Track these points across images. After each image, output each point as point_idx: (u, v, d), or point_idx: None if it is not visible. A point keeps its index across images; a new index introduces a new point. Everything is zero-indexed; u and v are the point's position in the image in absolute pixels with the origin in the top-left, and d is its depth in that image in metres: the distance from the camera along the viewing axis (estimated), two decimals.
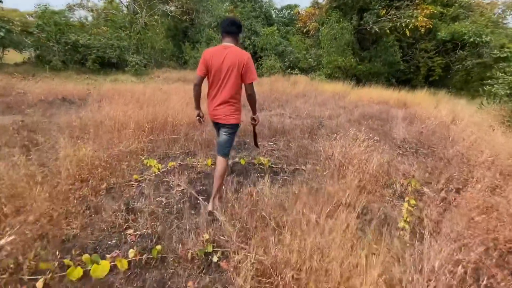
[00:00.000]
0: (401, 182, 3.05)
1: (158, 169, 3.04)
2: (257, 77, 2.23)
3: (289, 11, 24.86)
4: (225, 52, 2.14)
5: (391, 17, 11.51)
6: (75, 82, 9.43)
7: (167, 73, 13.66)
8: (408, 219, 2.34)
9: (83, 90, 7.15)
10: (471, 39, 12.62)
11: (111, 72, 12.71)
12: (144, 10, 16.73)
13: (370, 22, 12.09)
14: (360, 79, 14.27)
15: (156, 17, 15.05)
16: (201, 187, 2.64)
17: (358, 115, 6.15)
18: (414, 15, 10.55)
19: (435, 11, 11.40)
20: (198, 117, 2.47)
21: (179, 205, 2.30)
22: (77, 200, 2.19)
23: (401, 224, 2.27)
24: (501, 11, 19.87)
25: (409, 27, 10.64)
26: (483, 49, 13.21)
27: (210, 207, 2.23)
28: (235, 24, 2.27)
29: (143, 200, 2.28)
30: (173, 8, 18.49)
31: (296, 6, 24.41)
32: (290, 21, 22.64)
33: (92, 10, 16.21)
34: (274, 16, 21.05)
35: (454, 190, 2.80)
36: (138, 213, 2.11)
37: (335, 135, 4.59)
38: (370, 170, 2.73)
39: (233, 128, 2.31)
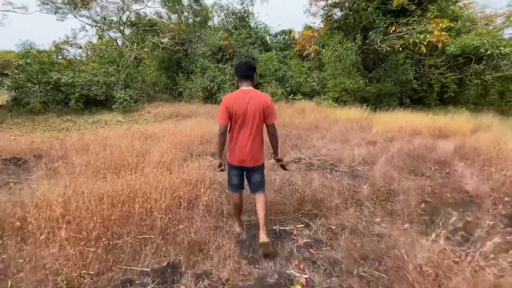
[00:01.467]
0: None
1: None
2: (277, 117, 2.29)
3: (283, 36, 24.54)
4: (248, 97, 2.17)
5: (401, 34, 10.53)
6: (48, 128, 8.11)
7: (159, 107, 12.47)
8: None
9: (48, 141, 5.75)
10: (488, 52, 11.59)
11: (96, 111, 11.51)
12: (135, 43, 16.05)
13: (378, 41, 11.12)
14: (370, 101, 13.08)
15: (146, 49, 14.19)
16: None
17: (399, 155, 4.68)
18: (429, 30, 9.58)
19: (452, 25, 10.46)
20: (220, 167, 2.43)
21: None
22: None
23: None
24: (501, 22, 19.37)
25: (425, 43, 9.59)
26: (500, 62, 12.16)
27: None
28: (252, 68, 2.29)
29: None
30: (165, 40, 17.94)
31: (290, 30, 24.13)
32: (285, 46, 22.11)
33: (81, 47, 15.47)
34: (269, 42, 20.46)
35: None
36: None
37: (392, 201, 3.11)
38: None
39: (263, 166, 2.42)
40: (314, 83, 14.53)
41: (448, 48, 13.64)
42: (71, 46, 15.61)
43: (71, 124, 8.72)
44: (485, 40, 11.88)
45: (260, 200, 2.34)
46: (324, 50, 13.92)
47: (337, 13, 13.84)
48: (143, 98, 13.85)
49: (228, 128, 2.26)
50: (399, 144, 5.36)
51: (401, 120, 7.77)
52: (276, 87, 13.36)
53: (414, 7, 11.34)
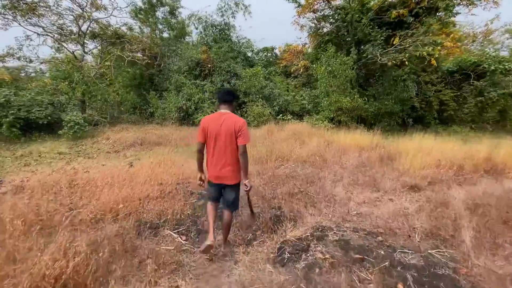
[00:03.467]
0: None
1: None
2: (249, 140, 2.37)
3: (266, 53, 23.41)
4: (222, 119, 2.33)
5: (402, 46, 9.35)
6: None
7: (123, 132, 10.21)
8: None
9: None
10: (492, 67, 10.74)
11: (38, 138, 9.03)
12: (99, 57, 13.89)
13: (378, 54, 9.89)
14: (368, 121, 11.71)
15: (107, 63, 12.07)
16: None
17: (481, 217, 2.90)
18: (438, 42, 8.46)
19: (463, 36, 9.46)
20: (200, 181, 2.56)
21: None
22: None
23: None
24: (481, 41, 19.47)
25: (436, 55, 8.40)
26: (503, 78, 11.36)
27: (211, 241, 2.34)
28: (231, 93, 2.49)
29: None
30: (136, 54, 15.94)
31: (273, 48, 23.13)
32: (268, 63, 20.84)
33: (31, 61, 12.98)
34: (252, 58, 19.03)
35: None
36: None
37: None
38: None
39: (238, 186, 2.50)
40: (304, 102, 13.03)
41: (444, 64, 12.83)
42: (18, 60, 13.17)
43: None
44: (487, 55, 11.08)
45: (225, 217, 2.52)
46: (314, 65, 12.60)
47: (327, 26, 12.71)
48: (105, 121, 11.54)
49: (207, 148, 2.41)
50: (458, 191, 3.62)
51: (424, 147, 6.20)
52: (263, 106, 11.65)
53: (411, 19, 10.37)
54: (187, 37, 18.82)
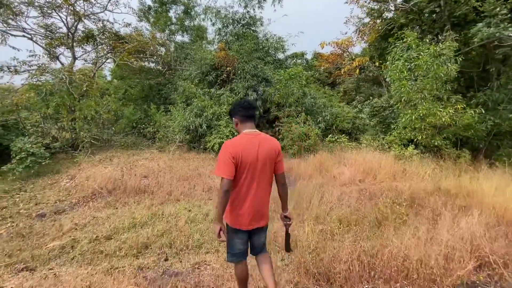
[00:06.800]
0: None
1: None
2: None
3: (294, 60, 19.87)
4: (257, 141, 1.73)
5: None
6: None
7: (103, 163, 7.01)
8: None
9: None
10: None
11: None
12: (95, 64, 11.20)
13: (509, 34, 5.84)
14: (470, 145, 7.49)
15: (86, 70, 9.18)
16: None
17: None
18: None
19: None
20: (220, 232, 1.68)
21: None
22: None
23: None
24: None
25: None
26: None
27: None
28: (255, 107, 1.93)
29: None
30: (151, 64, 13.24)
31: (303, 53, 19.62)
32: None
33: (16, 72, 10.55)
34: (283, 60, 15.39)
35: None
36: None
37: None
38: None
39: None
40: (362, 115, 9.12)
41: None
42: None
43: None
44: None
45: (266, 261, 1.87)
46: (377, 63, 8.72)
47: (398, 5, 8.82)
48: (88, 145, 8.48)
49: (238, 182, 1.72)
50: None
51: None
52: (307, 124, 7.91)
53: None
54: (206, 43, 15.73)
